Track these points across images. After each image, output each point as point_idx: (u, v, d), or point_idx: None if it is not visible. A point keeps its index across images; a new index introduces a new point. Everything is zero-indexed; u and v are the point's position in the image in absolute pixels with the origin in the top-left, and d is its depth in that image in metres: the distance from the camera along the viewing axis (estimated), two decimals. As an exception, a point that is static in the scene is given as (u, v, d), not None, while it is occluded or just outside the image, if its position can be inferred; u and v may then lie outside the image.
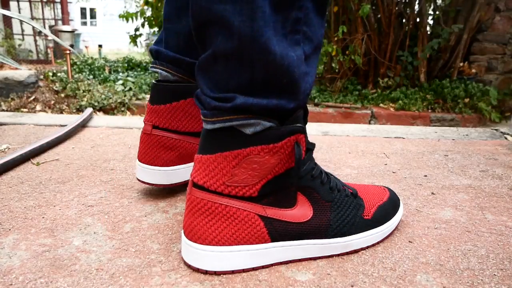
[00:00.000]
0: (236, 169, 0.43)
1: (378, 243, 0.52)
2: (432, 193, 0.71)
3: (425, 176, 0.80)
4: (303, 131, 0.45)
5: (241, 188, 0.44)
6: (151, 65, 0.66)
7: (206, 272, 0.45)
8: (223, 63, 0.42)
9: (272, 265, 0.47)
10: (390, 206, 0.54)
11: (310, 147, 0.48)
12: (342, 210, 0.50)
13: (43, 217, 0.58)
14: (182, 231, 0.47)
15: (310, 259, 0.48)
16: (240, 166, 0.43)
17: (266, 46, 0.39)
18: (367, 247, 0.51)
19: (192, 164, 0.67)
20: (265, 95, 0.43)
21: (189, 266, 0.46)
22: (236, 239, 0.45)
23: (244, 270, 0.45)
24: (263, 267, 0.46)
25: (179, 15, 0.63)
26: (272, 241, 0.46)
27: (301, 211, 0.47)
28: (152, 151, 0.64)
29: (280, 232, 0.46)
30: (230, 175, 0.44)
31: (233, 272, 0.45)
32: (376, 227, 0.52)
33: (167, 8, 0.64)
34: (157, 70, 0.64)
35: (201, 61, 0.44)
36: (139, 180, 0.66)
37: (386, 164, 0.88)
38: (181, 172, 0.67)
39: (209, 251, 0.44)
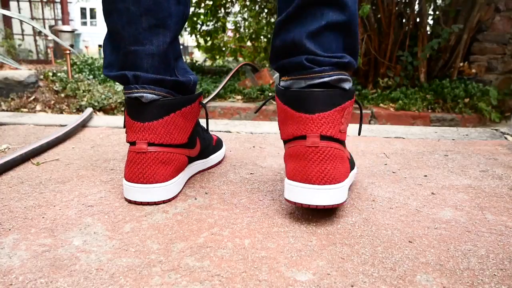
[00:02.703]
0: (343, 118, 0.58)
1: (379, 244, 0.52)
2: (432, 193, 0.71)
3: (425, 176, 0.80)
4: None
5: (343, 133, 0.59)
6: (127, 90, 0.63)
7: (340, 204, 0.57)
8: (332, 31, 0.57)
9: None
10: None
11: None
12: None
13: (43, 217, 0.58)
14: (298, 186, 0.57)
15: None
16: (344, 116, 0.58)
17: (357, 19, 0.58)
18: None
19: (182, 174, 0.70)
20: (353, 56, 0.60)
21: (323, 207, 0.57)
22: (346, 174, 0.60)
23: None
24: None
25: (149, 36, 0.62)
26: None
27: None
28: (150, 169, 0.63)
29: None
30: (341, 124, 0.58)
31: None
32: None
33: (130, 30, 0.61)
34: (141, 94, 0.62)
35: (313, 31, 0.57)
36: (135, 202, 0.64)
37: (386, 164, 0.88)
38: (178, 184, 0.68)
39: (341, 188, 0.57)
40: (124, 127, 0.69)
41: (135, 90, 0.62)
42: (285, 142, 0.63)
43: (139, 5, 0.60)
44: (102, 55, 0.66)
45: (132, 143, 0.63)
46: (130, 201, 0.64)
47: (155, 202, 0.64)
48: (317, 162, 0.56)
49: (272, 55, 0.64)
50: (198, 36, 3.80)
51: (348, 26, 0.57)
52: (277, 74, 2.94)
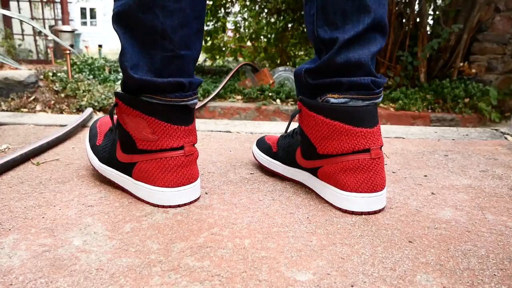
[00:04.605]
0: None
1: (379, 245, 0.52)
2: (432, 193, 0.71)
3: (425, 176, 0.80)
4: None
5: None
6: (184, 98, 0.60)
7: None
8: (376, 54, 0.63)
9: None
10: None
11: None
12: None
13: (43, 217, 0.58)
14: (365, 196, 0.61)
15: None
16: None
17: None
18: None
19: None
20: None
21: (375, 212, 0.62)
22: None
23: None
24: None
25: (195, 41, 0.61)
26: None
27: None
28: (194, 167, 0.65)
29: None
30: None
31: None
32: None
33: (182, 33, 0.58)
34: (195, 100, 0.63)
35: (372, 54, 0.61)
36: (189, 203, 0.64)
37: (386, 164, 0.88)
38: None
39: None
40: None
41: (190, 98, 0.61)
42: (326, 156, 0.63)
43: (193, 7, 0.58)
44: (120, 55, 0.61)
45: (177, 148, 0.62)
46: (179, 206, 0.63)
47: (199, 196, 0.67)
48: (380, 172, 0.61)
49: (323, 70, 0.63)
50: (198, 36, 3.79)
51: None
52: (277, 74, 2.93)
